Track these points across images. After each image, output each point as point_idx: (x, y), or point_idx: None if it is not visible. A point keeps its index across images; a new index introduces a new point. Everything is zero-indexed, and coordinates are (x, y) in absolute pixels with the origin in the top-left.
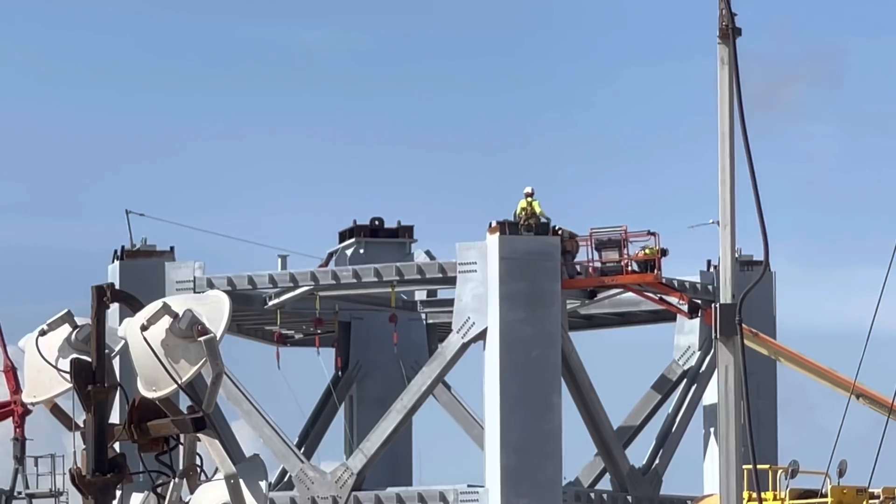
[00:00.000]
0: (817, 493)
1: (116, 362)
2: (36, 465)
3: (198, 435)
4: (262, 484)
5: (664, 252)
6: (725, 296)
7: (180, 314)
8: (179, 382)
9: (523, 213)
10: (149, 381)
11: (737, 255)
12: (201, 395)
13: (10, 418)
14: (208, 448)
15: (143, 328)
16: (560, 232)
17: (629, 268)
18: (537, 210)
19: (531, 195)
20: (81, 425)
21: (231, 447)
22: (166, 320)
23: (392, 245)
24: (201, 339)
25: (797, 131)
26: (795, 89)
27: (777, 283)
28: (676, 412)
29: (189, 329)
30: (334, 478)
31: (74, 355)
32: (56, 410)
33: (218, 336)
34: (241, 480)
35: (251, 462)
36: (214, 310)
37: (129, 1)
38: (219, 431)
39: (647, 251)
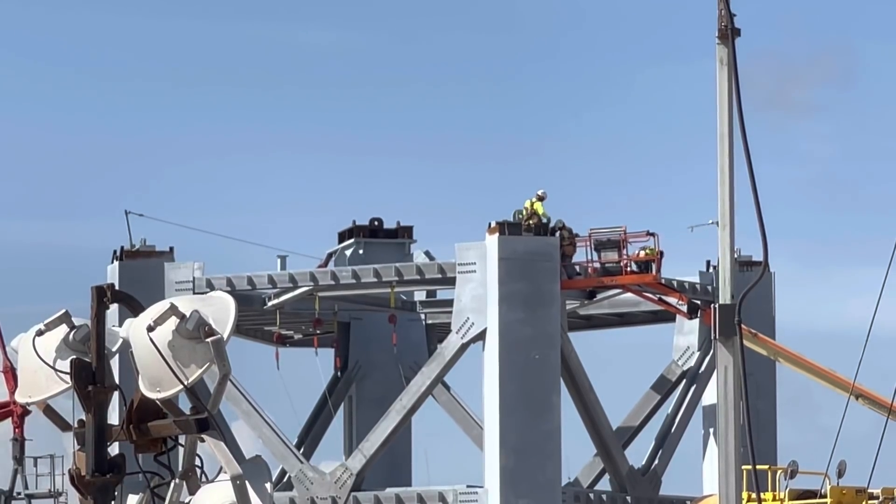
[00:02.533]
0: (817, 493)
1: (114, 362)
2: (35, 465)
3: (202, 436)
4: (268, 485)
5: (660, 254)
6: (725, 296)
7: (187, 315)
8: (186, 384)
9: (525, 212)
10: (153, 382)
11: (736, 256)
12: (201, 395)
13: (10, 419)
14: (213, 449)
15: (150, 329)
16: (562, 228)
17: (628, 268)
18: (539, 211)
19: (542, 199)
20: (74, 426)
21: (230, 448)
22: (173, 321)
23: (391, 245)
24: (209, 340)
25: (798, 131)
26: (800, 88)
27: (776, 284)
28: (676, 412)
29: (196, 330)
30: (333, 478)
31: (72, 356)
32: (49, 411)
33: (225, 337)
34: (246, 482)
35: (255, 463)
36: (220, 311)
37: (129, 1)
38: (223, 432)
39: (646, 252)
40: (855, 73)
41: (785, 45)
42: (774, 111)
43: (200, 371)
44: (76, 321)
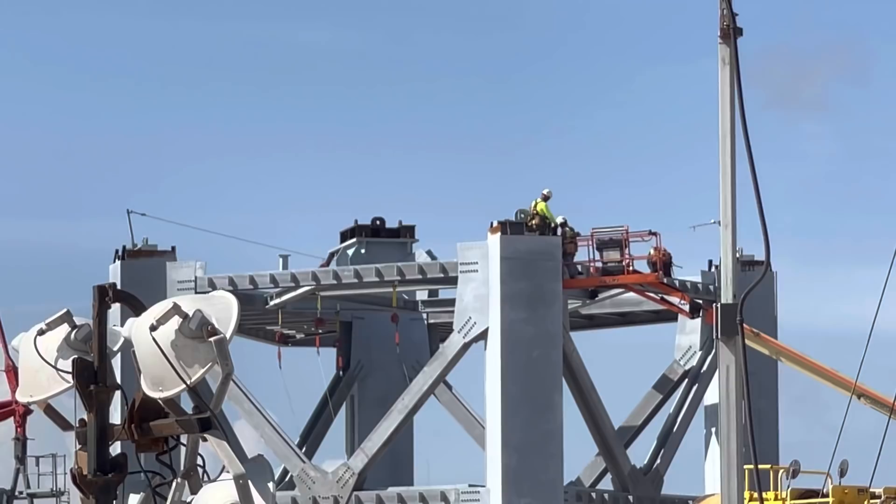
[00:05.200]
0: (818, 492)
1: (116, 361)
2: (37, 464)
3: (205, 435)
4: (270, 485)
5: (670, 255)
6: (727, 296)
7: (190, 314)
8: (189, 383)
9: (529, 210)
10: (155, 382)
11: (738, 255)
12: (204, 395)
13: (12, 418)
14: (216, 449)
15: (153, 328)
16: (564, 226)
17: (630, 267)
18: (542, 211)
19: (546, 198)
20: (75, 425)
21: (233, 447)
22: (176, 321)
23: (393, 245)
24: (211, 339)
25: (802, 130)
26: (808, 86)
27: (779, 283)
28: (678, 412)
29: (199, 330)
30: (336, 477)
31: (74, 355)
32: (49, 411)
33: (227, 336)
34: (249, 481)
35: (258, 463)
36: (223, 310)
37: (129, 1)
38: (225, 432)
39: (662, 252)
40: (866, 71)
41: (795, 42)
42: (780, 109)
43: (203, 371)
44: (78, 321)
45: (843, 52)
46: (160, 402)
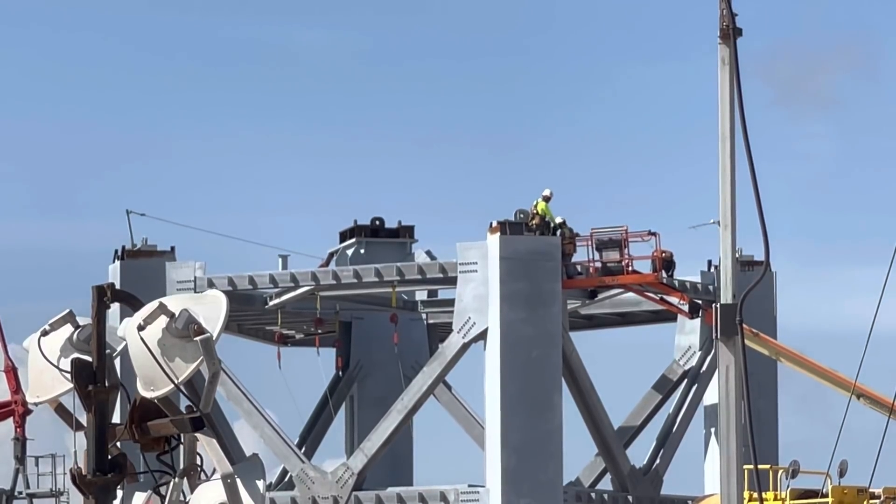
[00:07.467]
0: (818, 493)
1: (118, 362)
2: (37, 464)
3: (196, 434)
4: (260, 484)
5: (671, 255)
6: (726, 296)
7: (177, 314)
8: (176, 382)
9: (530, 211)
10: (147, 381)
11: (737, 256)
12: (201, 394)
13: (11, 418)
14: (206, 447)
15: (140, 328)
16: (563, 226)
17: (629, 267)
18: (543, 211)
19: (547, 199)
20: (86, 425)
21: (232, 447)
22: (163, 320)
23: (393, 245)
24: (197, 338)
25: (802, 130)
26: (811, 85)
27: (778, 283)
28: (677, 412)
29: (185, 329)
30: (335, 477)
31: (76, 355)
32: (61, 410)
33: (214, 336)
34: (238, 480)
35: (249, 462)
36: (212, 309)
37: (129, 1)
38: (217, 431)
39: (662, 252)
40: (874, 68)
41: (802, 39)
42: (786, 106)
43: (191, 369)
44: (80, 321)
45: (850, 49)
46: (155, 401)
